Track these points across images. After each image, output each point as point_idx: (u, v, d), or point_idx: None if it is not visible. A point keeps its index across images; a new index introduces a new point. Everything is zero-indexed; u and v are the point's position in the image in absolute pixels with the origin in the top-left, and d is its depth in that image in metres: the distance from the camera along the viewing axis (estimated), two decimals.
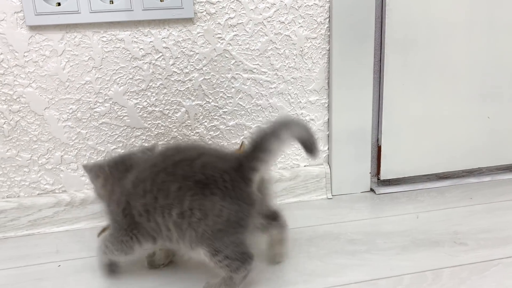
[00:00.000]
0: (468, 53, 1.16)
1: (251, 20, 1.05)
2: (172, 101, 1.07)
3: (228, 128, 1.12)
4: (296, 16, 1.07)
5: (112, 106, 1.05)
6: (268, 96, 1.11)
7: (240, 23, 1.05)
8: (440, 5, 1.11)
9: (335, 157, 1.17)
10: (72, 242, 0.99)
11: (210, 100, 1.09)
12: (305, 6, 1.06)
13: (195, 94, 1.08)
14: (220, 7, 1.03)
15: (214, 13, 1.03)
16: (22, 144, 1.03)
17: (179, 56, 1.05)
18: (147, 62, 1.04)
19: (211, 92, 1.08)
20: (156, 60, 1.04)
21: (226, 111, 1.11)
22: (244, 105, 1.11)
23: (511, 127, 1.25)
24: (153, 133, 1.08)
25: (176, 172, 0.73)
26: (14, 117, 1.01)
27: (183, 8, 1.00)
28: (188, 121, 1.09)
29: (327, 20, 1.08)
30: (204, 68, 1.06)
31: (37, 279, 0.86)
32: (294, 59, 1.10)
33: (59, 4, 0.95)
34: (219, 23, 1.04)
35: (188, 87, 1.07)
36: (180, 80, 1.06)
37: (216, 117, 1.11)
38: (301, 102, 1.13)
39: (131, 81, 1.04)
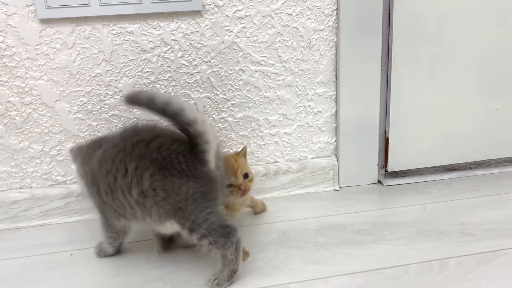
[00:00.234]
0: (477, 44, 1.16)
1: (259, 12, 1.05)
2: (181, 93, 1.08)
3: (236, 120, 1.13)
4: (304, 8, 1.07)
5: (122, 98, 1.06)
6: (276, 88, 1.12)
7: (248, 15, 1.05)
8: None
9: (342, 149, 1.18)
10: (83, 232, 1.01)
11: (218, 93, 1.10)
12: None
13: (203, 86, 1.09)
14: None
15: (222, 5, 1.04)
16: (34, 136, 1.05)
17: (187, 48, 1.05)
18: (156, 55, 1.05)
19: (219, 84, 1.09)
20: (165, 52, 1.05)
21: (234, 103, 1.11)
22: (252, 97, 1.12)
23: None
24: (162, 125, 1.09)
25: (133, 152, 0.75)
26: (26, 109, 1.03)
27: (191, 0, 1.01)
28: None
29: (335, 12, 1.09)
30: (212, 61, 1.07)
31: (50, 267, 0.88)
32: (301, 51, 1.10)
33: None
34: (227, 16, 1.04)
35: (196, 80, 1.08)
36: (188, 72, 1.07)
37: (224, 109, 1.11)
38: (308, 94, 1.14)
39: (140, 74, 1.05)
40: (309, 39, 1.10)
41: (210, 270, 0.84)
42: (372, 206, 1.09)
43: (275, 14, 1.06)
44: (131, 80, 1.05)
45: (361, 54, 1.11)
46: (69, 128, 1.05)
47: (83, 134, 1.07)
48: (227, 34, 1.06)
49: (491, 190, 1.13)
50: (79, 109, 1.05)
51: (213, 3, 1.03)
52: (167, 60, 1.05)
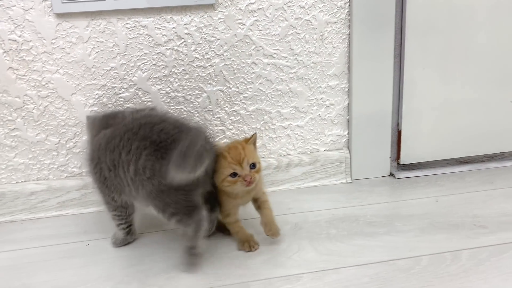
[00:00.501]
0: (490, 36, 1.15)
1: (271, 5, 1.06)
2: (194, 86, 1.10)
3: (249, 113, 1.14)
4: (316, 0, 1.07)
5: (137, 91, 1.07)
6: (288, 81, 1.12)
7: (260, 8, 1.06)
8: None
9: (355, 142, 1.18)
10: (99, 223, 1.03)
11: (231, 86, 1.11)
12: None
13: (216, 79, 1.10)
14: None
15: None
16: (51, 129, 1.07)
17: (200, 42, 1.06)
18: (169, 48, 1.06)
19: (232, 77, 1.10)
20: (178, 46, 1.06)
21: (246, 96, 1.12)
22: (264, 90, 1.12)
23: None
24: None
25: (139, 132, 0.81)
26: (42, 102, 1.05)
27: None
28: (210, 106, 1.11)
29: (347, 4, 1.09)
30: (225, 54, 1.08)
31: (67, 256, 0.90)
32: (314, 44, 1.10)
33: None
34: (239, 9, 1.05)
35: (209, 73, 1.09)
36: (201, 65, 1.08)
37: (236, 102, 1.12)
38: (321, 87, 1.14)
39: (154, 67, 1.07)
40: (321, 32, 1.10)
41: (223, 260, 0.85)
42: (384, 198, 1.09)
43: (288, 7, 1.07)
44: (145, 73, 1.06)
45: (373, 46, 1.11)
46: (85, 121, 1.07)
47: None
48: (240, 27, 1.07)
49: (505, 183, 1.13)
50: (95, 102, 1.06)
51: None
52: (181, 54, 1.07)
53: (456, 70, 1.17)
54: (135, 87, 1.07)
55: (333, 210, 1.04)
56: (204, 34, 1.06)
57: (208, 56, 1.08)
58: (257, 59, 1.10)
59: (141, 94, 1.08)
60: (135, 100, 1.08)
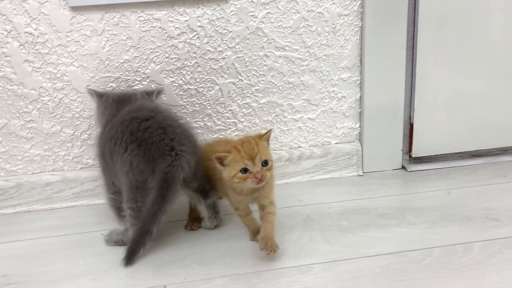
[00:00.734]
0: (504, 28, 1.14)
1: None
2: (206, 79, 1.10)
3: (260, 105, 1.14)
4: None
5: (150, 84, 1.08)
6: (300, 73, 1.13)
7: (272, 0, 1.06)
8: None
9: (366, 135, 1.18)
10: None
11: (243, 78, 1.11)
12: None
13: (228, 72, 1.10)
14: None
15: None
16: (66, 121, 1.08)
17: (213, 34, 1.07)
18: (182, 41, 1.07)
19: (244, 70, 1.11)
20: (191, 38, 1.07)
21: (258, 89, 1.13)
22: (276, 82, 1.13)
23: None
24: (188, 110, 1.12)
25: (130, 126, 0.85)
26: (58, 95, 1.06)
27: None
28: (222, 99, 1.12)
29: None
30: (237, 46, 1.09)
31: (83, 246, 0.92)
32: (326, 36, 1.11)
33: None
34: (252, 1, 1.05)
35: (221, 65, 1.10)
36: (214, 58, 1.09)
37: (248, 94, 1.13)
38: (333, 79, 1.14)
39: (167, 60, 1.07)
40: (333, 24, 1.10)
41: (235, 250, 0.86)
42: (396, 191, 1.10)
43: None
44: (158, 66, 1.07)
45: (386, 39, 1.11)
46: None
47: None
48: (252, 20, 1.07)
49: None
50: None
51: None
52: (193, 46, 1.07)
53: (469, 63, 1.16)
54: (148, 80, 1.08)
55: (345, 202, 1.05)
56: (217, 27, 1.06)
57: (220, 49, 1.08)
58: (269, 51, 1.10)
59: (154, 86, 1.09)
60: None
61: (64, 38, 1.03)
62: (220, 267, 0.82)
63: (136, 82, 1.08)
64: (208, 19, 1.06)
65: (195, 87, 1.10)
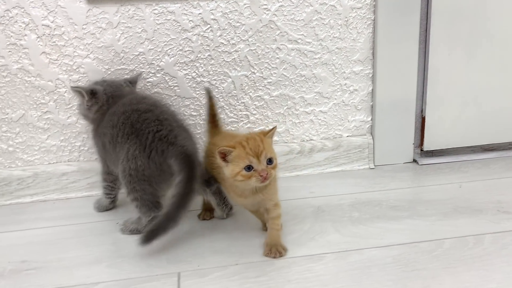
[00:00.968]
0: None
1: None
2: (219, 71, 1.12)
3: (272, 98, 1.15)
4: None
5: (164, 76, 1.10)
6: (312, 66, 1.13)
7: None
8: None
9: (378, 128, 1.19)
10: (126, 204, 1.06)
11: (255, 71, 1.12)
12: None
13: (241, 64, 1.11)
14: None
15: None
16: None
17: (226, 27, 1.08)
18: (196, 34, 1.08)
19: (256, 62, 1.12)
20: (204, 31, 1.08)
21: (270, 82, 1.14)
22: (288, 75, 1.14)
23: None
24: (201, 102, 1.13)
25: (131, 117, 0.89)
26: None
27: None
28: (234, 91, 1.13)
29: None
30: (250, 39, 1.10)
31: (98, 234, 0.94)
32: (338, 29, 1.11)
33: None
34: None
35: (234, 58, 1.11)
36: (226, 51, 1.10)
37: (260, 87, 1.14)
38: (345, 72, 1.15)
39: (181, 52, 1.09)
40: (346, 17, 1.10)
41: (246, 239, 0.87)
42: (407, 184, 1.10)
43: None
44: (172, 58, 1.09)
45: (399, 32, 1.11)
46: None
47: None
48: (265, 13, 1.08)
49: None
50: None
51: None
52: (207, 39, 1.08)
53: (482, 56, 1.16)
54: (162, 72, 1.10)
55: (356, 194, 1.06)
56: (230, 20, 1.08)
57: (233, 42, 1.09)
58: (281, 44, 1.11)
59: (168, 79, 1.10)
60: (162, 85, 1.10)
61: (80, 30, 1.05)
62: (233, 256, 0.83)
63: (150, 75, 1.09)
64: (222, 12, 1.07)
65: (208, 79, 1.12)
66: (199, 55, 1.10)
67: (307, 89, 1.15)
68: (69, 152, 1.13)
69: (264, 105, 1.16)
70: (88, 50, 1.06)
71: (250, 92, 1.14)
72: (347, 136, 1.20)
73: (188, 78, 1.11)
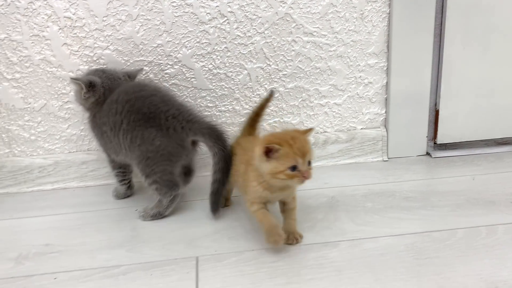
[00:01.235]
0: None
1: None
2: (235, 63, 1.13)
3: (287, 90, 1.17)
4: None
5: (181, 68, 1.12)
6: (327, 59, 1.15)
7: None
8: None
9: (392, 121, 1.20)
10: (144, 191, 1.08)
11: (271, 63, 1.14)
12: None
13: (256, 57, 1.13)
14: None
15: None
16: None
17: (242, 20, 1.10)
18: (213, 26, 1.10)
19: (272, 55, 1.13)
20: (221, 24, 1.10)
21: (285, 74, 1.15)
22: (303, 68, 1.15)
23: None
24: (217, 94, 1.15)
25: (135, 104, 0.92)
26: None
27: None
28: (250, 83, 1.15)
29: None
30: (266, 32, 1.11)
31: (118, 220, 0.97)
32: (354, 22, 1.12)
33: None
34: None
35: (250, 50, 1.13)
36: (243, 43, 1.12)
37: (276, 79, 1.16)
38: (359, 65, 1.16)
39: (198, 45, 1.11)
40: (361, 10, 1.11)
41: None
42: (420, 175, 1.11)
43: None
44: (189, 51, 1.11)
45: (413, 25, 1.12)
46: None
47: None
48: (281, 6, 1.09)
49: None
50: (142, 78, 1.12)
51: None
52: (223, 32, 1.10)
53: (496, 50, 1.16)
54: (179, 64, 1.12)
55: (369, 185, 1.07)
56: (246, 12, 1.09)
57: (249, 34, 1.11)
58: (297, 37, 1.12)
59: (185, 70, 1.12)
60: (179, 77, 1.13)
61: (101, 22, 1.07)
62: (249, 242, 0.85)
63: (168, 66, 1.12)
64: (238, 4, 1.08)
65: (224, 71, 1.14)
66: (215, 47, 1.12)
67: (322, 81, 1.17)
68: (89, 141, 1.16)
69: (279, 97, 1.17)
70: (108, 42, 1.09)
71: (266, 84, 1.16)
72: (361, 129, 1.22)
73: (204, 70, 1.13)
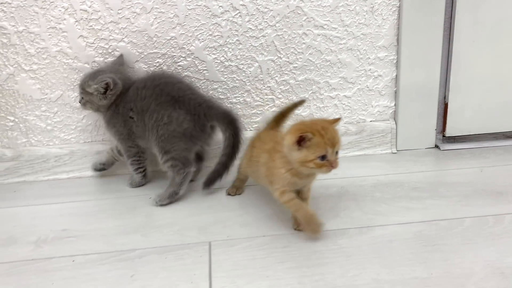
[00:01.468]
0: None
1: None
2: (247, 56, 1.15)
3: (298, 82, 1.19)
4: None
5: (194, 60, 1.14)
6: (338, 52, 1.16)
7: None
8: None
9: (401, 113, 1.21)
10: (157, 180, 1.12)
11: (282, 56, 1.16)
12: None
13: (267, 49, 1.15)
14: None
15: None
16: None
17: (254, 13, 1.12)
18: (225, 19, 1.12)
19: (283, 47, 1.15)
20: (233, 17, 1.12)
21: (296, 66, 1.17)
22: (314, 60, 1.17)
23: None
24: (228, 86, 1.17)
25: (165, 89, 1.00)
26: None
27: None
28: (261, 76, 1.17)
29: None
30: (277, 25, 1.13)
31: (132, 207, 1.00)
32: (364, 16, 1.14)
33: None
34: None
35: (261, 43, 1.15)
36: (254, 36, 1.14)
37: (286, 72, 1.18)
38: (369, 58, 1.18)
39: (210, 37, 1.13)
40: (372, 4, 1.13)
41: (272, 214, 0.92)
42: (429, 167, 1.13)
43: None
44: (202, 43, 1.13)
45: (423, 19, 1.13)
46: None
47: None
48: None
49: None
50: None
51: None
52: (235, 24, 1.12)
53: (506, 44, 1.17)
54: (192, 56, 1.14)
55: (378, 176, 1.09)
56: (258, 5, 1.11)
57: (261, 27, 1.13)
58: (307, 30, 1.14)
59: (198, 63, 1.15)
60: (192, 69, 1.15)
61: (116, 15, 1.10)
62: (261, 228, 0.88)
63: (181, 59, 1.14)
64: None
65: (236, 64, 1.16)
66: (227, 40, 1.14)
67: (332, 74, 1.18)
68: (104, 132, 1.18)
69: (290, 89, 1.19)
70: (122, 34, 1.11)
71: (276, 76, 1.18)
72: (371, 121, 1.23)
73: (216, 62, 1.15)
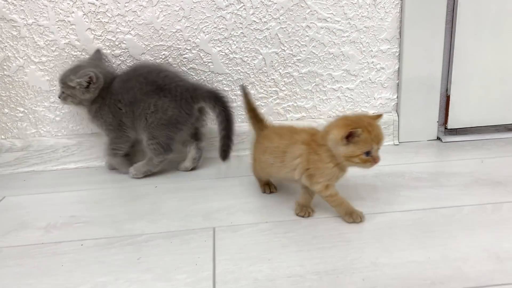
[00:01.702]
0: None
1: None
2: (251, 48, 1.17)
3: (301, 75, 1.21)
4: None
5: (199, 53, 1.17)
6: (340, 44, 1.18)
7: None
8: None
9: (403, 106, 1.23)
10: (164, 171, 1.14)
11: (285, 48, 1.18)
12: None
13: (271, 42, 1.17)
14: None
15: None
16: None
17: (258, 6, 1.14)
18: (230, 12, 1.14)
19: (287, 40, 1.17)
20: (238, 10, 1.14)
21: (299, 59, 1.19)
22: (317, 53, 1.19)
23: None
24: (233, 78, 1.19)
25: (148, 77, 1.05)
26: (116, 61, 1.16)
27: None
28: (265, 68, 1.19)
29: None
30: (281, 18, 1.15)
31: (140, 195, 1.02)
32: (367, 9, 1.15)
33: None
34: None
35: (265, 36, 1.16)
36: (258, 29, 1.16)
37: (290, 64, 1.20)
38: (372, 50, 1.19)
39: (215, 30, 1.15)
40: None
41: (275, 202, 0.94)
42: (430, 158, 1.14)
43: None
44: (207, 36, 1.15)
45: (425, 11, 1.14)
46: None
47: None
48: None
49: None
50: (162, 62, 1.17)
51: None
52: (240, 17, 1.14)
53: (508, 37, 1.18)
54: (197, 49, 1.16)
55: (380, 166, 1.08)
56: None
57: (265, 20, 1.15)
58: (311, 22, 1.16)
59: (203, 55, 1.17)
60: (197, 61, 1.17)
61: (123, 8, 1.12)
62: (264, 215, 0.90)
63: (186, 51, 1.16)
64: None
65: (240, 56, 1.18)
66: (232, 33, 1.16)
67: (335, 66, 1.20)
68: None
69: (293, 82, 1.21)
70: (129, 27, 1.14)
71: (280, 68, 1.20)
72: (373, 113, 1.25)
73: (221, 54, 1.17)
